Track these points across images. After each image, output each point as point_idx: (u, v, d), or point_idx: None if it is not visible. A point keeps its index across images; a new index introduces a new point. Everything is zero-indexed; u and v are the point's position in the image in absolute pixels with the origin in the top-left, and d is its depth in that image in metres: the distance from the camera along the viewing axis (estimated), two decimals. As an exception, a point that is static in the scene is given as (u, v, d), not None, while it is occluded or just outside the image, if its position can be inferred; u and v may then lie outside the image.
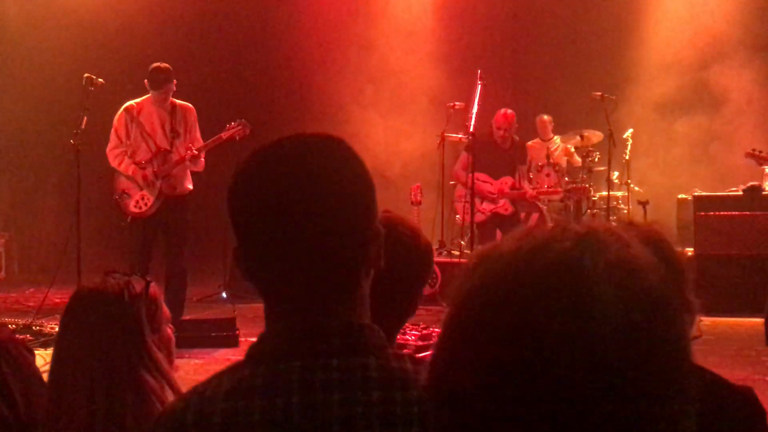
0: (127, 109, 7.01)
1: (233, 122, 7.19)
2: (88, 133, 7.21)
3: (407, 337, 6.82)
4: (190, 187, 7.11)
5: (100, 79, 7.27)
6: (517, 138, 9.02)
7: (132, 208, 6.96)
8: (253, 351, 1.28)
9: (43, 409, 2.05)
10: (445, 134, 9.99)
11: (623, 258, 0.75)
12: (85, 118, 7.14)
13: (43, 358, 6.13)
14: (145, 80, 6.99)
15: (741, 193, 9.10)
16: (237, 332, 6.91)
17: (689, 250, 8.24)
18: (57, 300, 8.56)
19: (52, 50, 11.33)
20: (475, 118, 7.12)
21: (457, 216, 10.03)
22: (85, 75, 7.28)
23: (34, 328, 7.18)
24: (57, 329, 2.18)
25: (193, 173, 7.19)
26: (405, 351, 1.73)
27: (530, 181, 9.70)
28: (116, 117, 7.05)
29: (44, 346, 6.68)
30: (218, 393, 1.23)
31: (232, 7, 11.99)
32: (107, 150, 7.09)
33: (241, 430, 1.19)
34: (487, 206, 8.68)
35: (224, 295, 9.03)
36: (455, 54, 11.70)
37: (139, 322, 2.10)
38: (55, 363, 2.08)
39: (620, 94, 10.29)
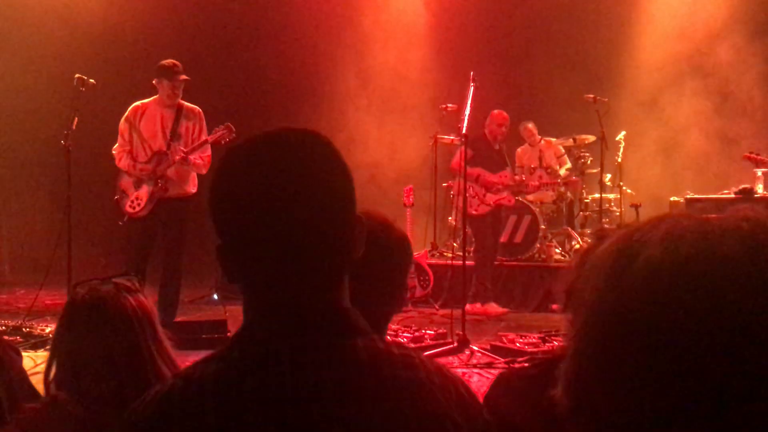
0: (132, 110, 7.12)
1: (219, 126, 7.20)
2: (78, 134, 7.17)
3: (399, 339, 6.81)
4: (193, 190, 7.17)
5: (91, 80, 7.24)
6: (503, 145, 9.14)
7: (127, 208, 7.07)
8: (240, 336, 1.28)
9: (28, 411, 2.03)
10: (438, 136, 9.99)
11: None
12: (76, 118, 7.11)
13: (32, 360, 6.11)
14: (156, 78, 7.03)
15: (733, 195, 9.11)
16: (228, 334, 6.89)
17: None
18: (48, 301, 8.52)
19: (43, 50, 11.28)
20: (468, 119, 7.09)
21: (450, 218, 10.02)
22: (76, 75, 7.25)
23: (24, 329, 7.15)
24: (56, 338, 2.14)
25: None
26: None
27: (522, 181, 9.73)
28: (122, 118, 7.15)
29: (34, 347, 6.65)
30: (206, 375, 1.23)
31: (225, 9, 11.97)
32: (113, 148, 7.21)
33: (233, 410, 1.19)
34: (490, 197, 8.75)
35: (215, 296, 9.02)
36: (448, 56, 11.71)
37: (148, 313, 2.12)
38: (68, 368, 2.06)
39: (612, 97, 10.30)
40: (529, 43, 11.85)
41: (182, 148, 6.98)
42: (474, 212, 8.70)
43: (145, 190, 7.02)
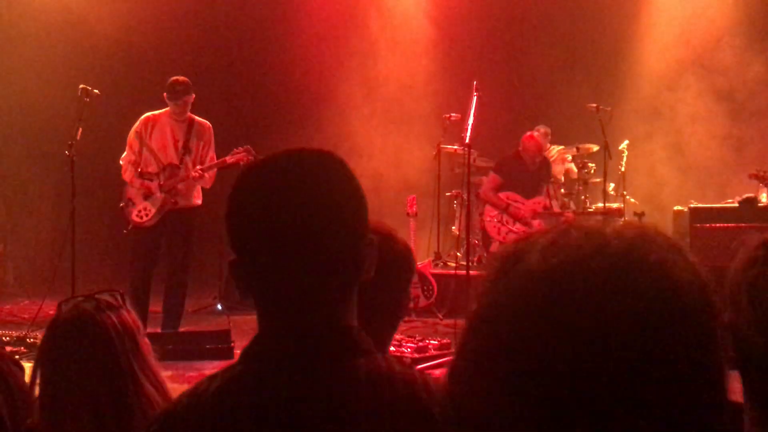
0: (143, 122, 7.16)
1: (239, 147, 7.24)
2: (83, 144, 7.19)
3: (403, 349, 6.80)
4: (199, 201, 7.26)
5: (95, 90, 7.27)
6: (546, 157, 9.04)
7: (134, 217, 7.11)
8: (247, 351, 1.32)
9: (34, 426, 2.03)
10: (441, 146, 9.99)
11: (661, 277, 0.73)
12: (81, 129, 7.13)
13: (36, 370, 6.11)
14: (164, 93, 7.08)
15: (737, 204, 9.10)
16: (232, 344, 6.89)
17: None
18: (52, 312, 8.48)
19: (47, 61, 11.31)
20: (471, 129, 7.11)
21: (453, 227, 10.00)
22: (81, 86, 7.28)
23: (28, 340, 7.13)
24: (38, 355, 2.16)
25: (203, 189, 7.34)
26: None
27: (557, 198, 9.73)
28: (132, 129, 7.19)
29: (38, 358, 6.65)
30: (209, 391, 1.26)
31: (230, 19, 12.00)
32: (121, 158, 7.25)
33: (230, 426, 1.22)
34: (520, 227, 8.70)
35: (219, 307, 9.01)
36: (452, 66, 11.73)
37: (131, 330, 2.11)
38: (49, 388, 2.06)
39: (615, 106, 10.30)
40: (532, 52, 11.86)
41: (199, 166, 7.07)
42: (499, 239, 8.69)
43: (154, 202, 7.08)
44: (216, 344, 6.83)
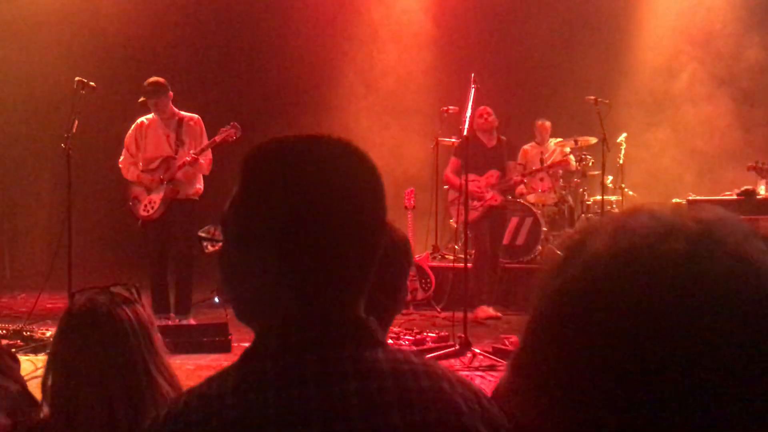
0: (137, 127, 7.65)
1: (226, 126, 7.57)
2: (79, 138, 7.17)
3: (401, 342, 6.79)
4: (200, 188, 7.62)
5: (91, 83, 7.24)
6: (504, 138, 8.96)
7: (141, 212, 7.53)
8: (256, 348, 1.25)
9: (29, 418, 2.02)
10: (439, 138, 9.97)
11: (741, 261, 0.70)
12: (77, 122, 7.10)
13: (33, 363, 6.09)
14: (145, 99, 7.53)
15: (735, 197, 9.10)
16: (229, 337, 6.88)
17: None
18: (49, 305, 8.51)
19: (43, 54, 11.28)
20: (469, 122, 7.09)
21: (451, 220, 9.98)
22: (77, 78, 7.25)
23: (25, 333, 7.13)
24: (53, 346, 2.13)
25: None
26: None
27: (525, 184, 9.66)
28: (128, 134, 7.68)
29: (35, 351, 6.64)
30: (225, 389, 1.20)
31: (226, 12, 11.96)
32: (119, 162, 7.72)
33: (255, 424, 1.16)
34: (477, 203, 8.67)
35: (216, 299, 8.99)
36: (449, 59, 11.71)
37: (146, 326, 2.09)
38: (62, 380, 2.04)
39: (614, 98, 10.28)
40: (530, 45, 11.85)
41: (191, 151, 7.46)
42: (460, 219, 8.68)
43: (157, 194, 7.49)
44: (214, 337, 6.82)
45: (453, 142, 9.70)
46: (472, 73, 7.49)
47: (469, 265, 7.82)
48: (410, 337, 6.98)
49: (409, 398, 1.20)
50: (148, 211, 7.48)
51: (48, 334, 7.26)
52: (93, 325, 2.04)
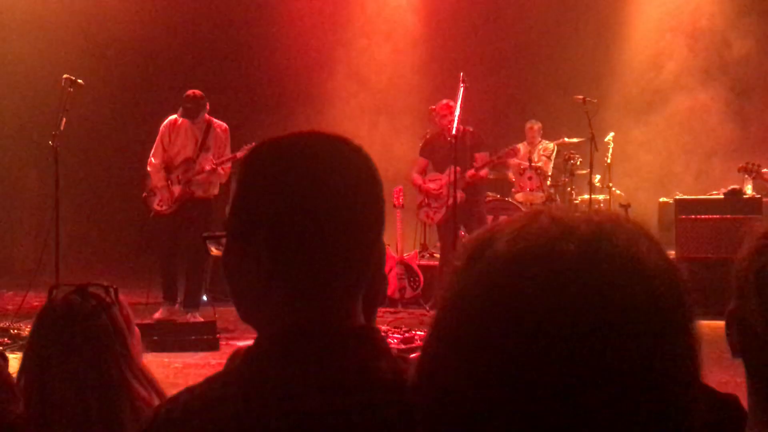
0: (169, 123, 8.01)
1: (249, 144, 7.65)
2: (67, 135, 7.15)
3: (390, 340, 6.81)
4: (215, 192, 7.98)
5: (79, 80, 7.23)
6: (470, 128, 8.61)
7: (155, 206, 7.91)
8: (257, 353, 1.22)
9: (17, 419, 2.01)
10: (428, 137, 9.97)
11: (630, 260, 0.72)
12: (64, 119, 7.09)
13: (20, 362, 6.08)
14: (180, 108, 7.91)
15: (722, 196, 9.15)
16: (217, 336, 6.88)
17: (671, 254, 8.26)
18: (35, 303, 8.46)
19: (30, 50, 11.23)
20: (458, 120, 7.10)
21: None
22: (64, 76, 7.23)
23: (12, 331, 7.11)
24: (28, 343, 2.13)
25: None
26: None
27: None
28: (161, 127, 8.00)
29: (22, 349, 6.62)
30: (227, 394, 1.17)
31: (217, 10, 11.93)
32: (151, 153, 8.02)
33: None
34: (438, 203, 8.46)
35: (205, 298, 8.97)
36: (439, 57, 11.72)
37: (118, 329, 2.05)
38: (35, 374, 2.03)
39: (602, 98, 10.32)
40: (519, 44, 11.86)
41: (213, 159, 7.84)
42: (430, 221, 8.60)
43: (172, 192, 7.85)
44: (202, 335, 6.82)
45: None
46: (461, 72, 7.51)
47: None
48: (399, 336, 6.99)
49: (411, 413, 1.20)
50: (161, 206, 7.86)
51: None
52: (66, 324, 2.02)
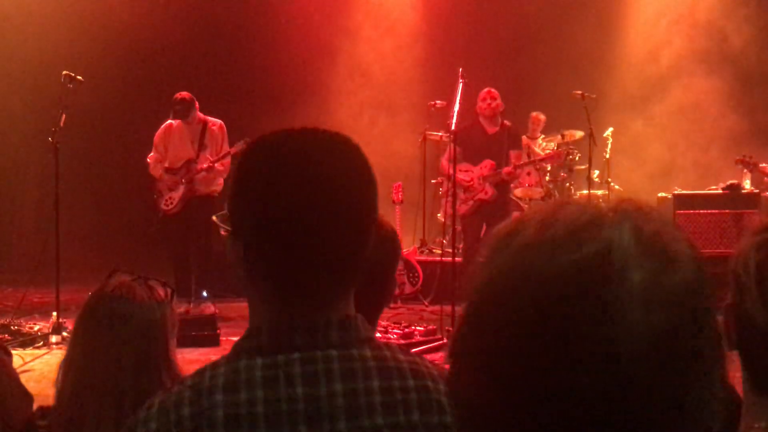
0: (164, 129, 8.31)
1: (244, 139, 7.89)
2: (67, 131, 7.15)
3: (389, 335, 6.82)
4: (218, 188, 8.23)
5: (79, 77, 7.22)
6: (509, 123, 8.56)
7: (162, 206, 8.24)
8: (247, 343, 1.27)
9: (23, 412, 2.02)
10: (427, 133, 9.99)
11: (660, 253, 0.72)
12: (64, 115, 7.09)
13: (21, 358, 6.09)
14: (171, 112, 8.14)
15: (721, 191, 9.16)
16: (218, 331, 6.89)
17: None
18: (36, 299, 8.49)
19: (30, 47, 11.22)
20: (457, 116, 7.09)
21: (439, 215, 9.94)
22: (64, 72, 7.23)
23: (12, 327, 7.12)
24: (75, 329, 2.08)
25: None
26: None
27: (528, 173, 9.53)
28: (157, 133, 8.31)
29: (23, 345, 6.64)
30: (215, 385, 1.21)
31: (215, 4, 11.92)
32: (148, 158, 8.31)
33: (244, 422, 1.18)
34: (467, 195, 8.34)
35: (204, 294, 8.98)
36: (438, 53, 11.71)
37: (166, 329, 2.04)
38: (76, 368, 2.00)
39: (601, 93, 10.32)
40: (518, 39, 11.86)
41: (209, 157, 8.12)
42: (457, 212, 8.50)
43: (178, 191, 8.18)
44: (202, 331, 6.83)
45: (440, 137, 9.69)
46: (460, 68, 7.51)
47: (458, 258, 7.76)
48: (398, 331, 7.01)
49: (394, 398, 1.22)
50: (168, 206, 8.19)
51: (36, 328, 7.25)
52: (123, 312, 1.99)
